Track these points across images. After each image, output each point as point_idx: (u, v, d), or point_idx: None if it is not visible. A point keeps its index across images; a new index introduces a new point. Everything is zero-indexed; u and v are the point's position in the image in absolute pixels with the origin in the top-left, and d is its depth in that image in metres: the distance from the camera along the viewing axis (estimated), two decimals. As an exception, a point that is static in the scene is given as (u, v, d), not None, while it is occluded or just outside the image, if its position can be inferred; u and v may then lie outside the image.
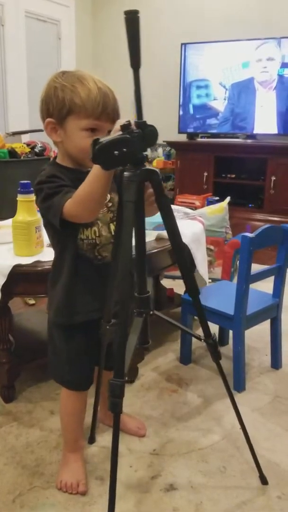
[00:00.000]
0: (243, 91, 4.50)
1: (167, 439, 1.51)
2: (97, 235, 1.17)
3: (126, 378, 0.99)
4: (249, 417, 1.61)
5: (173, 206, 2.63)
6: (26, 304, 2.33)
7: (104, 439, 1.51)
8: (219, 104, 4.66)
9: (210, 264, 2.66)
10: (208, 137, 4.79)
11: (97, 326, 1.23)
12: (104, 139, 0.89)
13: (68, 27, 4.91)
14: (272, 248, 1.90)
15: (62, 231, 1.09)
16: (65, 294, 1.19)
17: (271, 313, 1.89)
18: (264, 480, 1.33)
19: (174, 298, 2.37)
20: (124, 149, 0.89)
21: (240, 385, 1.77)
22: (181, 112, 4.84)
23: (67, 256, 1.17)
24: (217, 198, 3.60)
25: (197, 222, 2.14)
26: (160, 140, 5.90)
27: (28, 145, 3.62)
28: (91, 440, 1.48)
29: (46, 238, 1.65)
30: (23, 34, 4.33)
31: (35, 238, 1.56)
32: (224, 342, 2.13)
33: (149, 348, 2.01)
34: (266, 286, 1.96)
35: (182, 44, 4.61)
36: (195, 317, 2.16)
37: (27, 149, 3.50)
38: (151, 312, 1.13)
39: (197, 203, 3.70)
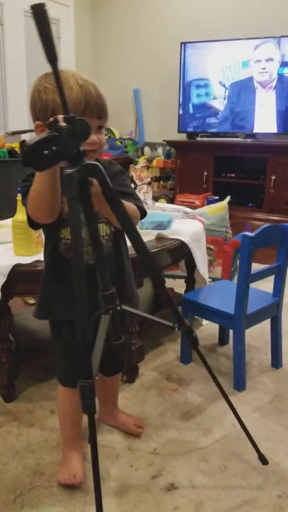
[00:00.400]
0: (242, 90, 4.50)
1: (167, 438, 1.51)
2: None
3: (96, 378, 0.98)
4: (250, 417, 1.61)
5: (173, 206, 2.64)
6: (26, 303, 2.33)
7: (105, 438, 1.51)
8: (219, 103, 4.65)
9: (210, 263, 2.66)
10: (208, 137, 4.79)
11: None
12: (31, 140, 0.86)
13: (68, 27, 4.90)
14: (272, 248, 1.89)
15: (32, 228, 1.12)
16: (42, 290, 1.25)
17: (272, 312, 1.89)
18: (264, 460, 1.37)
19: (174, 297, 2.37)
20: (54, 148, 0.85)
21: (240, 384, 1.77)
22: (180, 111, 4.83)
23: (46, 253, 1.22)
24: (217, 197, 3.60)
25: (197, 222, 2.14)
26: (160, 139, 5.91)
27: (27, 144, 3.62)
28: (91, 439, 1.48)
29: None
30: (22, 33, 4.32)
31: (34, 237, 1.57)
32: (224, 341, 2.13)
33: (149, 348, 2.02)
34: (266, 285, 1.96)
35: (181, 43, 4.61)
36: (196, 316, 2.16)
37: (27, 149, 3.50)
38: (118, 308, 1.09)
39: (197, 203, 3.70)
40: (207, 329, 2.26)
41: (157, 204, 2.59)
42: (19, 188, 1.51)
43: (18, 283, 1.53)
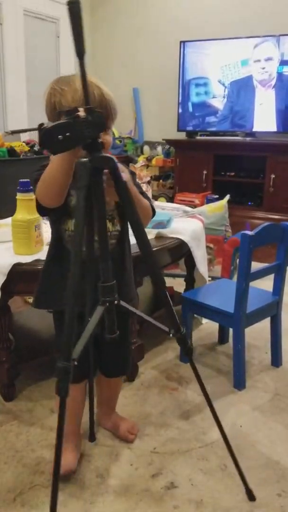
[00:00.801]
0: (242, 89, 4.50)
1: (167, 437, 1.52)
2: None
3: (75, 363, 1.00)
4: (249, 415, 1.61)
5: (173, 205, 2.64)
6: (26, 303, 2.33)
7: (105, 437, 1.51)
8: (218, 102, 4.65)
9: (210, 262, 2.67)
10: (207, 135, 4.79)
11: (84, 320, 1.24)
12: (48, 123, 0.91)
13: (67, 26, 4.89)
14: (272, 246, 1.90)
15: (40, 215, 1.16)
16: (43, 280, 1.26)
17: (271, 311, 1.89)
18: (251, 496, 1.27)
19: (174, 296, 2.37)
20: (68, 134, 0.90)
21: (240, 383, 1.77)
22: (180, 110, 4.83)
23: (52, 243, 1.24)
24: (216, 196, 3.60)
25: (196, 220, 2.13)
26: (159, 138, 5.90)
27: (27, 143, 3.62)
28: (92, 438, 1.48)
29: (45, 237, 1.66)
30: (21, 32, 4.32)
31: (34, 236, 1.56)
32: (224, 340, 2.13)
33: (148, 346, 2.02)
34: (266, 284, 1.96)
35: (181, 42, 4.60)
36: (196, 315, 2.16)
37: (26, 148, 3.50)
38: (116, 302, 1.10)
39: (197, 201, 3.69)
40: (207, 328, 2.26)
41: (156, 203, 2.58)
42: (18, 187, 1.52)
43: (18, 282, 1.53)
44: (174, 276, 2.68)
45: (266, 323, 1.91)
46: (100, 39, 5.38)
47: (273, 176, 4.38)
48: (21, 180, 1.52)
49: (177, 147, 4.93)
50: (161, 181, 5.11)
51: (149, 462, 1.40)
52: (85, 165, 0.94)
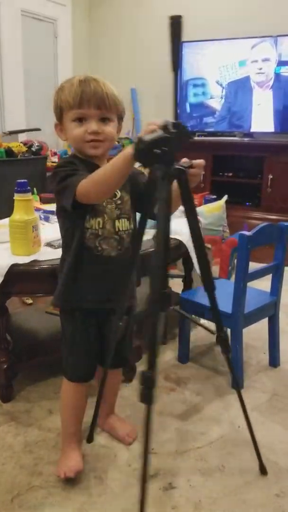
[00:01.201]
0: (239, 90, 4.50)
1: (165, 438, 1.51)
2: (101, 226, 1.21)
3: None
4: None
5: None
6: (23, 303, 2.32)
7: (103, 438, 1.50)
8: (216, 102, 4.65)
9: (208, 262, 2.66)
10: (205, 136, 4.78)
11: (99, 320, 1.29)
12: (146, 137, 0.93)
13: (65, 26, 4.89)
14: (270, 247, 1.90)
15: (72, 212, 1.12)
16: (66, 279, 1.24)
17: (269, 311, 1.90)
18: (263, 470, 1.36)
19: (172, 297, 2.36)
20: (165, 148, 0.93)
21: (238, 383, 1.77)
22: (178, 111, 4.83)
23: (73, 243, 1.21)
24: (214, 196, 3.59)
25: (194, 221, 2.13)
26: (157, 139, 5.85)
27: (25, 144, 3.62)
28: (90, 439, 1.48)
29: (43, 237, 1.66)
30: (19, 33, 4.31)
31: (32, 237, 1.56)
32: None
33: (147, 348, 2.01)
34: (263, 284, 1.96)
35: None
36: (193, 315, 2.16)
37: (24, 148, 3.50)
38: (172, 308, 1.18)
39: (195, 202, 3.69)
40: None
41: (154, 203, 2.58)
42: (16, 188, 1.51)
43: (16, 283, 1.53)
44: (172, 276, 2.67)
45: (264, 323, 1.92)
46: (98, 39, 5.38)
47: (271, 176, 4.38)
48: (18, 180, 1.52)
49: (175, 148, 4.92)
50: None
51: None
52: (165, 177, 0.98)
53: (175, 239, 1.86)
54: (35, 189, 2.29)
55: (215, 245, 2.87)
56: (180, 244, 1.88)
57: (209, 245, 2.76)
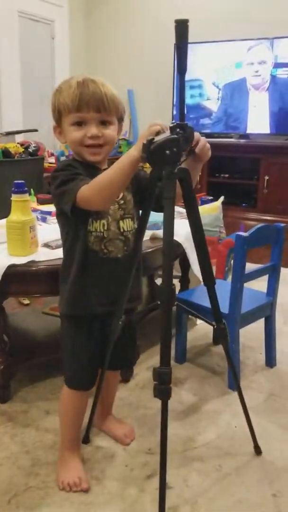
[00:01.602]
0: (236, 91, 4.51)
1: (162, 438, 1.51)
2: (105, 228, 1.19)
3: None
4: (244, 416, 1.61)
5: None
6: (20, 304, 2.32)
7: (100, 439, 1.51)
8: (212, 104, 4.67)
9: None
10: (201, 137, 4.80)
11: (102, 324, 1.26)
12: (157, 138, 0.95)
13: (62, 27, 4.89)
14: (266, 247, 1.90)
15: (71, 216, 1.12)
16: (74, 286, 1.21)
17: (265, 311, 1.90)
18: (258, 450, 1.43)
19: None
20: (174, 149, 0.95)
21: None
22: (174, 112, 4.84)
23: (77, 248, 1.19)
24: (211, 197, 3.60)
25: (191, 222, 2.14)
26: (154, 140, 5.83)
27: (22, 145, 3.62)
28: (86, 440, 1.48)
29: (40, 238, 1.66)
30: (16, 34, 4.31)
31: (29, 238, 1.56)
32: (218, 341, 2.14)
33: (144, 347, 2.02)
34: (260, 285, 1.97)
35: (175, 44, 4.61)
36: (190, 316, 2.17)
37: (21, 149, 3.50)
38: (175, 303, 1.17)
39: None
40: (201, 329, 2.27)
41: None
42: (13, 188, 1.52)
43: (13, 283, 1.53)
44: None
45: (260, 323, 1.92)
46: (95, 41, 5.39)
47: (267, 177, 4.39)
48: (15, 181, 1.52)
49: (172, 149, 4.92)
50: (155, 182, 5.11)
51: (144, 463, 1.40)
52: (171, 177, 0.99)
53: (172, 239, 1.87)
54: (32, 190, 2.30)
55: (212, 246, 2.88)
56: (176, 244, 1.89)
57: (206, 246, 2.77)
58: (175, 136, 0.95)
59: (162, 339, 1.03)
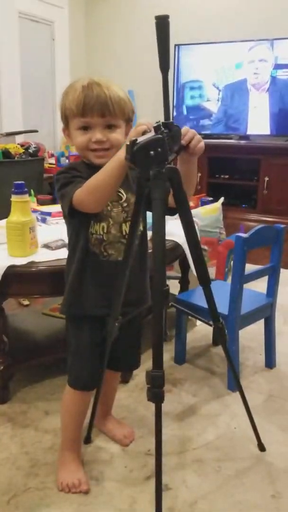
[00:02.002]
0: (236, 92, 4.52)
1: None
2: (105, 231, 1.19)
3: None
4: (244, 416, 1.61)
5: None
6: (20, 305, 2.32)
7: (100, 439, 1.51)
8: (213, 105, 4.67)
9: (204, 264, 2.66)
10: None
11: (103, 326, 1.26)
12: (140, 139, 0.93)
13: (62, 28, 4.90)
14: (266, 248, 1.90)
15: (69, 219, 1.15)
16: (73, 286, 1.22)
17: (265, 312, 1.90)
18: (262, 447, 1.44)
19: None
20: (159, 149, 0.93)
21: (234, 385, 1.77)
22: (174, 113, 4.85)
23: (79, 248, 1.20)
24: (211, 198, 3.61)
25: (191, 223, 2.14)
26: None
27: (22, 145, 3.62)
28: (87, 440, 1.48)
29: (40, 239, 1.66)
30: (16, 35, 4.31)
31: (29, 238, 1.56)
32: (218, 342, 2.14)
33: (143, 348, 2.01)
34: (260, 285, 1.97)
35: (175, 45, 4.62)
36: (190, 317, 2.17)
37: (21, 150, 3.50)
38: (170, 304, 1.17)
39: (191, 204, 3.69)
40: (201, 330, 2.27)
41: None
42: (13, 189, 1.52)
43: (12, 284, 1.53)
44: (168, 277, 2.68)
45: (260, 324, 1.92)
46: (95, 42, 5.39)
47: (267, 178, 4.40)
48: (15, 182, 1.52)
49: (172, 150, 4.93)
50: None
51: (144, 464, 1.40)
52: (159, 177, 0.97)
53: (172, 240, 1.87)
54: (32, 190, 2.30)
55: (212, 247, 2.88)
56: (176, 246, 1.89)
57: (205, 247, 2.77)
58: (159, 136, 0.93)
59: (154, 342, 1.02)
